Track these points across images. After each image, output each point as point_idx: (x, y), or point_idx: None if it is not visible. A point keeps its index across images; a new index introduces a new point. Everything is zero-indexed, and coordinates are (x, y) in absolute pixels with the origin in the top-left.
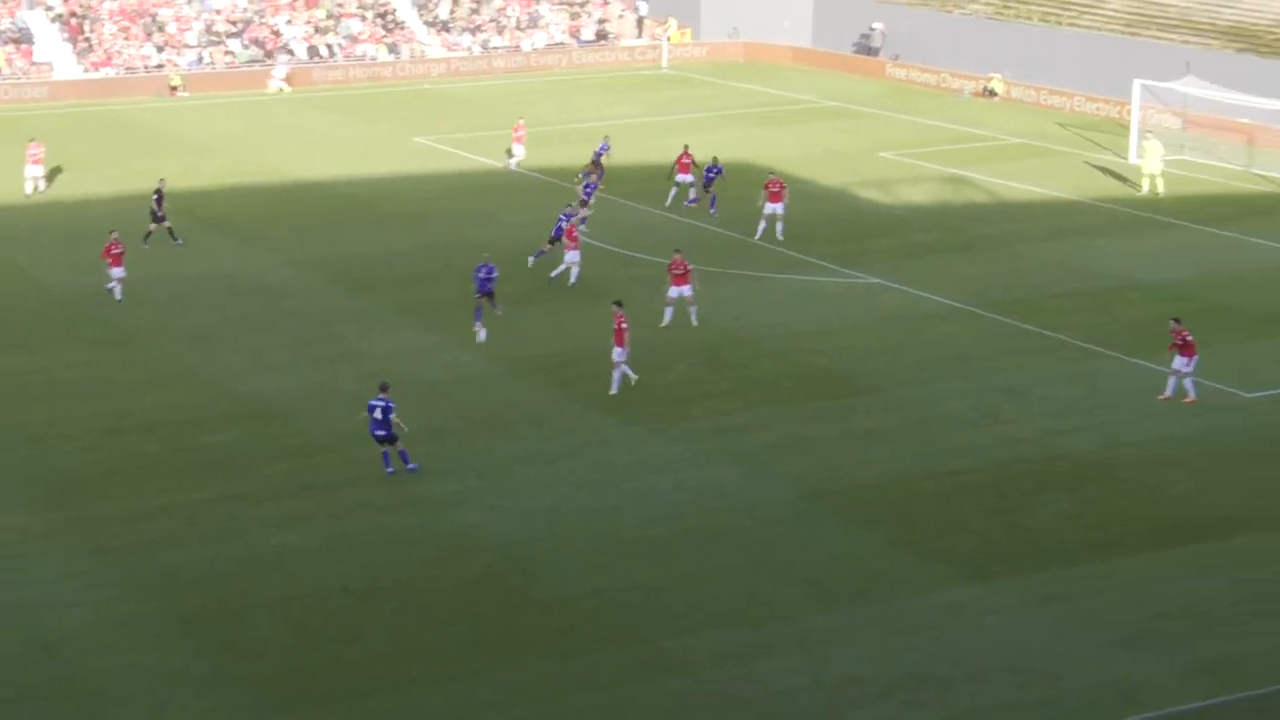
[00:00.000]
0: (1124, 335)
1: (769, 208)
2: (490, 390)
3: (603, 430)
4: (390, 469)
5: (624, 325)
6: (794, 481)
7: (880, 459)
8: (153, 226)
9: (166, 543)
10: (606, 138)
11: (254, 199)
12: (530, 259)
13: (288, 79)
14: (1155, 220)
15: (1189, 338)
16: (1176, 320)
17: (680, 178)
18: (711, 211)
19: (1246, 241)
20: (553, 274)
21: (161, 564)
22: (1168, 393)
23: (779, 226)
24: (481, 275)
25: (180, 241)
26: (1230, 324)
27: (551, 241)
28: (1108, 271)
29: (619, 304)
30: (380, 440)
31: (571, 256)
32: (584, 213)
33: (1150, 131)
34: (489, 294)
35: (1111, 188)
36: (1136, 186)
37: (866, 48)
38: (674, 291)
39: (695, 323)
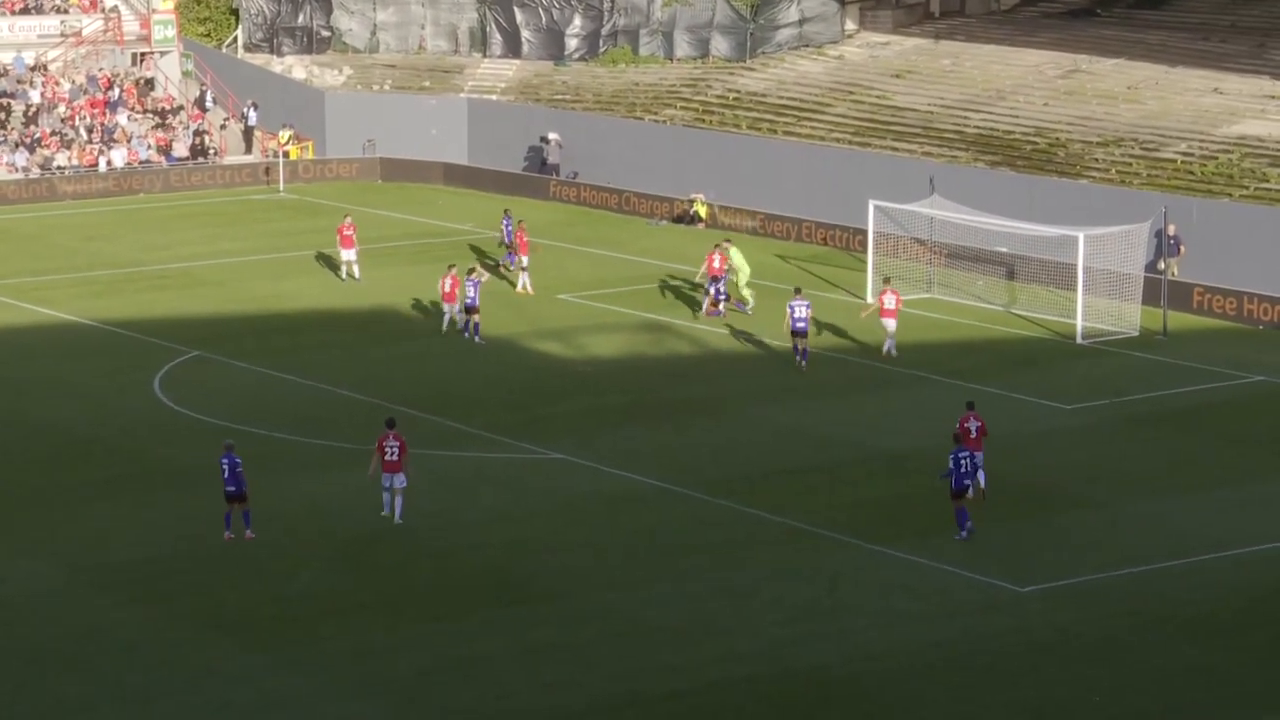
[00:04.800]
0: (865, 518)
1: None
2: (62, 611)
3: (215, 659)
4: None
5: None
6: (457, 715)
7: (568, 682)
8: None
9: None
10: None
11: None
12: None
13: None
14: (898, 374)
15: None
16: (971, 404)
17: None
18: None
19: (1009, 399)
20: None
21: None
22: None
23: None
24: (226, 471)
25: None
26: (993, 500)
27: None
28: (843, 439)
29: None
30: (230, 498)
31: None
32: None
33: (729, 240)
34: (240, 496)
35: (846, 335)
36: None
37: (540, 163)
38: (387, 479)
39: (399, 519)
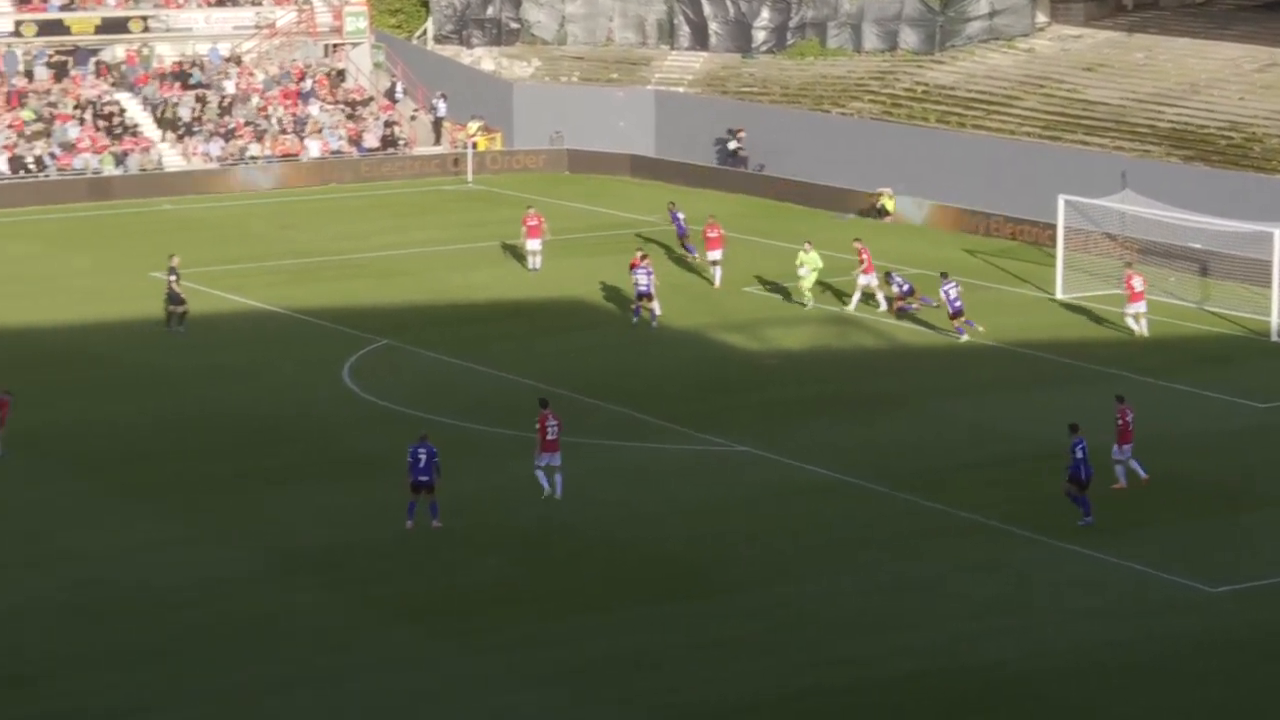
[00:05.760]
0: (1051, 515)
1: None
2: (253, 595)
3: (399, 645)
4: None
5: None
6: (632, 706)
7: (745, 675)
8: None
9: None
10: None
11: None
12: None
13: None
14: (1086, 370)
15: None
16: (1121, 399)
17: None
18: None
19: (1200, 396)
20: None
21: None
22: (1121, 482)
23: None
24: (421, 460)
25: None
26: (1183, 499)
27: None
28: (1031, 435)
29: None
30: (419, 487)
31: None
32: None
33: (809, 241)
34: (429, 486)
35: (1034, 330)
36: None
37: (728, 156)
38: (546, 458)
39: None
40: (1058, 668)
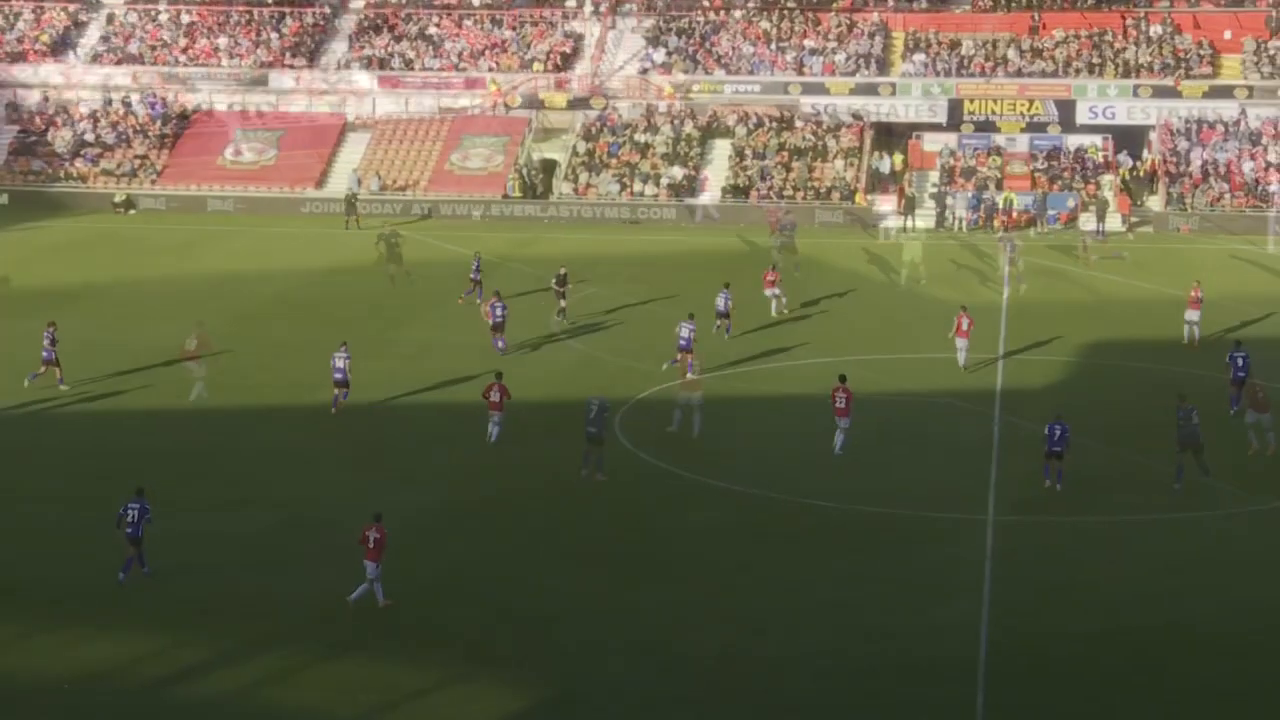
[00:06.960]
0: (1252, 474)
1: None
2: (435, 541)
3: (596, 594)
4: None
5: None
6: (829, 657)
7: (940, 626)
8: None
9: None
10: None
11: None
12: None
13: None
14: None
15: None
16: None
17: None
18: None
19: None
20: None
21: None
22: (1256, 445)
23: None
24: (592, 412)
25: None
26: None
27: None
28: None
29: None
30: (589, 439)
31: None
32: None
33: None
34: (597, 438)
35: (1245, 292)
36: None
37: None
38: (685, 397)
39: (696, 431)
40: (1260, 626)
